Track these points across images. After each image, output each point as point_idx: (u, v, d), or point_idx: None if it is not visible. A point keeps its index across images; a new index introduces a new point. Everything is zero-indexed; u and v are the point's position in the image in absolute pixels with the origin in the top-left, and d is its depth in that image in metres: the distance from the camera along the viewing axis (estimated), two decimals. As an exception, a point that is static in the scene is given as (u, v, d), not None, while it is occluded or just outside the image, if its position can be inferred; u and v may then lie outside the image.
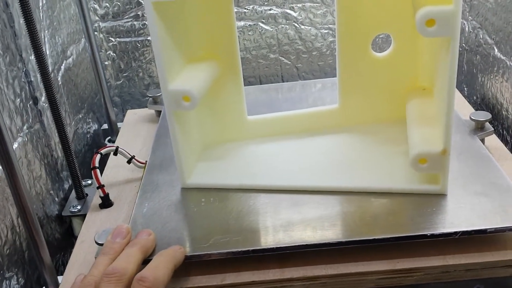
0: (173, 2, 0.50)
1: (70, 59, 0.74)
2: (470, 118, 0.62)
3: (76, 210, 0.62)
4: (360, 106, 0.63)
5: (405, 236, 0.46)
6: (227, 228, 0.49)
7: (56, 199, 0.63)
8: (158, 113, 0.75)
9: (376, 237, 0.46)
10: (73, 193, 0.65)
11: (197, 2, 0.56)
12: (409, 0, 0.54)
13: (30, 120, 0.59)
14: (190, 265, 0.48)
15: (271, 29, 0.84)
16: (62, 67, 0.70)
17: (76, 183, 0.63)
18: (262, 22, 0.84)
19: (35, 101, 0.60)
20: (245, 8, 0.83)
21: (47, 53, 0.65)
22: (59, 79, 0.68)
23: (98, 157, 0.58)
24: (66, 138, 0.62)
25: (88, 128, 0.78)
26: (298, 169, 0.57)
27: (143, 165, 0.62)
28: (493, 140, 0.64)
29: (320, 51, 0.86)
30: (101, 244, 0.47)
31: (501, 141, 0.64)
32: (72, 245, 0.55)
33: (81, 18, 0.71)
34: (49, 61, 0.65)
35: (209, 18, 0.57)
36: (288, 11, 0.83)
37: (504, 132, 0.69)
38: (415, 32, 0.52)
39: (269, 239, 0.48)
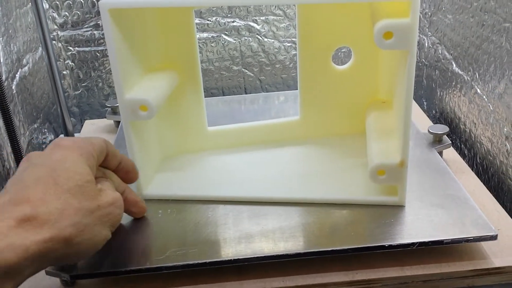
0: (131, 10, 0.49)
1: (26, 68, 0.72)
2: (428, 131, 0.63)
3: (28, 222, 0.60)
4: (320, 118, 0.64)
5: (363, 247, 0.46)
6: (184, 240, 0.48)
7: (8, 211, 0.61)
8: (117, 123, 0.74)
9: (334, 248, 0.46)
10: (26, 205, 0.62)
11: (157, 12, 0.55)
12: (369, 14, 0.54)
13: (-19, 129, 0.56)
14: (146, 278, 0.47)
15: (234, 41, 0.84)
16: (17, 75, 0.68)
17: (29, 194, 0.61)
18: (225, 34, 0.84)
19: (-13, 109, 0.58)
20: (208, 20, 0.82)
21: (1, 61, 0.63)
22: (13, 87, 0.66)
23: (52, 167, 0.56)
24: (19, 148, 0.60)
25: (44, 138, 0.76)
26: (258, 180, 0.57)
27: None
28: (450, 153, 0.65)
29: (283, 64, 0.86)
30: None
31: (459, 154, 0.65)
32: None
33: (38, 27, 0.69)
34: (3, 69, 0.63)
35: (169, 28, 0.56)
36: (251, 23, 0.83)
37: (462, 145, 0.71)
38: (374, 45, 0.53)
39: (227, 251, 0.47)
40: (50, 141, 0.78)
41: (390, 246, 0.46)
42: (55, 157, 0.42)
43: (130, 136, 0.51)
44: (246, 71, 0.87)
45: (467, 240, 0.47)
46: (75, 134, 0.77)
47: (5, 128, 0.58)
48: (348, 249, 0.46)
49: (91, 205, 0.40)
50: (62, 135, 0.79)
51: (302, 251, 0.46)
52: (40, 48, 0.77)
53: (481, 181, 0.59)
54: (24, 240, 0.35)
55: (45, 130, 0.77)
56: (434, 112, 0.80)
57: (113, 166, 0.48)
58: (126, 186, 0.49)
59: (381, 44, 0.44)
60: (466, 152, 0.70)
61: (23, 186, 0.39)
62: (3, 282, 0.34)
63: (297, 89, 0.63)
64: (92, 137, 0.46)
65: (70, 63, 0.83)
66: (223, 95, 0.88)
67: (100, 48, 0.82)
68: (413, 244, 0.46)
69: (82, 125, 0.79)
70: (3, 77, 0.57)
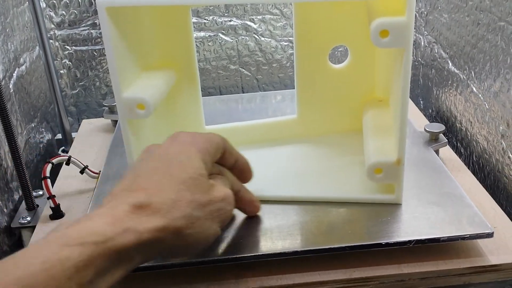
0: (128, 8, 0.49)
1: (23, 67, 0.71)
2: (425, 129, 0.63)
3: (25, 221, 0.60)
4: (318, 117, 0.64)
5: (360, 245, 0.46)
6: (182, 239, 0.48)
7: (5, 210, 0.61)
8: (114, 123, 0.74)
9: (332, 246, 0.46)
10: (23, 204, 0.62)
11: (154, 10, 0.55)
12: (365, 13, 0.54)
13: (-22, 128, 0.56)
14: (144, 276, 0.47)
15: (231, 40, 0.84)
16: (14, 74, 0.68)
17: (26, 193, 0.61)
18: (222, 33, 0.84)
19: (-16, 108, 0.58)
20: (205, 19, 0.82)
21: (-2, 59, 0.63)
22: (10, 86, 0.66)
23: (49, 166, 0.56)
24: (17, 147, 0.59)
25: (41, 137, 0.76)
26: (255, 179, 0.56)
27: (97, 175, 0.60)
28: (447, 152, 0.65)
29: (280, 63, 0.87)
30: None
31: (455, 152, 0.65)
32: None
33: (35, 26, 0.69)
34: (0, 68, 0.63)
35: (166, 27, 0.56)
36: (248, 22, 0.83)
37: (458, 144, 0.71)
38: (371, 44, 0.53)
39: (224, 249, 0.47)
40: (48, 140, 0.78)
41: (387, 244, 0.46)
42: (172, 150, 0.43)
43: (127, 135, 0.51)
44: (243, 70, 0.87)
45: (463, 237, 0.47)
46: (72, 134, 0.77)
47: (3, 127, 0.58)
48: (345, 247, 0.46)
49: (203, 199, 0.40)
50: (59, 135, 0.79)
51: (299, 249, 0.46)
52: (37, 47, 0.76)
53: (477, 179, 0.60)
54: (137, 226, 0.36)
55: (43, 129, 0.77)
56: (430, 110, 0.80)
57: (229, 164, 0.48)
58: (242, 185, 0.49)
59: (378, 42, 0.44)
60: (462, 150, 0.70)
61: (139, 175, 0.41)
62: (114, 267, 0.35)
63: (294, 88, 0.63)
64: (211, 133, 0.47)
65: (67, 62, 0.83)
66: (220, 94, 0.88)
67: (97, 47, 0.82)
68: (410, 242, 0.46)
69: (79, 125, 0.79)
70: (0, 76, 0.57)
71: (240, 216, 0.51)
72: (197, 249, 0.42)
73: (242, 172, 0.49)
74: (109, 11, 0.45)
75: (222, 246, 0.47)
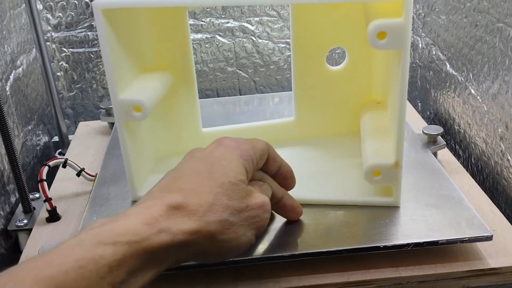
0: (124, 10, 0.49)
1: (20, 69, 0.71)
2: (423, 132, 0.63)
3: (22, 224, 0.59)
4: (315, 119, 0.64)
5: (358, 248, 0.46)
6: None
7: (2, 212, 0.60)
8: (111, 125, 0.74)
9: (330, 249, 0.46)
10: (20, 207, 0.62)
11: (150, 12, 0.55)
12: (362, 15, 0.54)
13: (-26, 130, 0.56)
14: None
15: (229, 42, 0.84)
16: (11, 76, 0.68)
17: (22, 196, 0.61)
18: (219, 35, 0.83)
19: (-20, 111, 0.58)
20: (202, 21, 0.82)
21: (-6, 62, 0.63)
22: (7, 89, 0.66)
23: (45, 169, 0.56)
24: (13, 149, 0.59)
25: (38, 140, 0.76)
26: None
27: (93, 178, 0.60)
28: (445, 154, 0.65)
29: (278, 65, 0.86)
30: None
31: (453, 155, 0.65)
32: (18, 261, 0.52)
33: (32, 28, 0.69)
34: (-4, 70, 0.63)
35: (163, 29, 0.56)
36: (246, 24, 0.83)
37: (456, 146, 0.71)
38: (368, 46, 0.53)
39: (222, 253, 0.47)
40: (44, 143, 0.78)
41: (385, 247, 0.46)
42: (215, 153, 0.43)
43: (124, 137, 0.50)
44: (241, 72, 0.86)
45: (462, 240, 0.47)
46: (69, 136, 0.77)
47: (-1, 130, 0.58)
48: (343, 250, 0.46)
49: (240, 205, 0.40)
50: (56, 137, 0.79)
51: (297, 252, 0.46)
52: (34, 49, 0.76)
53: (476, 182, 0.59)
54: (172, 228, 0.36)
55: (39, 132, 0.77)
56: (428, 113, 0.80)
57: (272, 171, 0.47)
58: (284, 191, 0.48)
59: (375, 44, 0.44)
60: (460, 153, 0.70)
61: (179, 176, 0.41)
62: (147, 268, 0.35)
63: (291, 90, 0.63)
64: (256, 139, 0.46)
65: (64, 65, 0.83)
66: (218, 97, 0.88)
67: (94, 49, 0.82)
68: (408, 245, 0.46)
69: (76, 127, 0.79)
70: (-4, 79, 0.57)
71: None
72: (230, 255, 0.41)
73: (285, 179, 0.49)
74: (105, 13, 0.45)
75: (219, 249, 0.47)
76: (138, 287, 0.34)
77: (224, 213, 0.39)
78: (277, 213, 0.49)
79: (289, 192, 0.49)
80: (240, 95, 0.88)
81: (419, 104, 0.83)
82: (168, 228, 0.36)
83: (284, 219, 0.50)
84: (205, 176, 0.40)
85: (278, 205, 0.48)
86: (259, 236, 0.43)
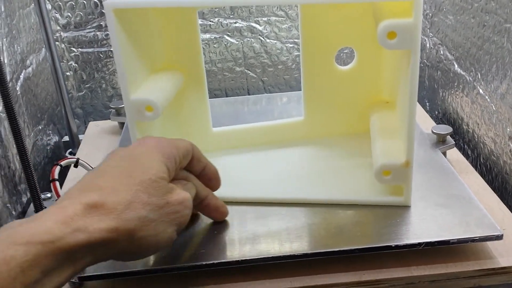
0: (135, 10, 0.49)
1: (30, 69, 0.71)
2: (432, 131, 0.63)
3: (33, 224, 0.60)
4: (324, 118, 0.64)
5: (370, 247, 0.46)
6: (190, 242, 0.48)
7: (14, 212, 0.61)
8: (121, 125, 0.74)
9: (341, 249, 0.46)
10: (32, 207, 0.62)
11: (161, 12, 0.55)
12: (372, 14, 0.54)
13: (-14, 130, 0.56)
14: (153, 279, 0.47)
15: (237, 42, 0.84)
16: (21, 76, 0.68)
17: (34, 196, 0.61)
18: (228, 35, 0.84)
19: (-8, 111, 0.58)
20: (210, 21, 0.82)
21: (5, 62, 0.63)
22: (17, 89, 0.66)
23: (57, 169, 0.56)
24: (24, 149, 0.59)
25: (48, 140, 0.76)
26: (263, 181, 0.57)
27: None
28: (454, 154, 0.65)
29: (286, 64, 0.87)
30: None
31: (462, 154, 0.65)
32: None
33: (42, 28, 0.69)
34: (7, 70, 0.63)
35: (173, 29, 0.56)
36: (254, 24, 0.83)
37: (465, 145, 0.71)
38: (377, 45, 0.53)
39: (234, 252, 0.47)
40: (55, 142, 0.78)
41: (397, 246, 0.46)
42: (136, 152, 0.43)
43: (135, 137, 0.51)
44: (249, 72, 0.87)
45: (473, 240, 0.47)
46: (79, 136, 0.77)
47: (11, 130, 0.58)
48: (355, 249, 0.46)
49: (160, 201, 0.40)
50: (66, 137, 0.79)
51: (309, 252, 0.46)
52: (43, 49, 0.77)
53: (485, 181, 0.59)
54: (88, 226, 0.35)
55: (50, 131, 0.77)
56: (436, 112, 0.80)
57: (197, 171, 0.48)
58: (209, 191, 0.49)
59: (385, 44, 0.44)
60: (469, 152, 0.70)
61: (98, 175, 0.40)
62: (62, 267, 0.35)
63: (299, 90, 0.63)
64: (180, 139, 0.47)
65: (73, 64, 0.83)
66: (226, 96, 0.88)
67: (103, 49, 0.82)
68: (419, 244, 0.46)
69: (86, 127, 0.79)
70: (8, 78, 0.57)
71: (249, 218, 0.51)
72: (150, 252, 0.42)
73: (210, 179, 0.49)
74: (117, 13, 0.45)
75: (231, 249, 0.47)
76: (54, 286, 0.34)
77: (143, 210, 0.39)
78: (202, 213, 0.50)
79: (294, 190, 0.49)
80: (249, 94, 0.88)
81: (427, 103, 0.83)
82: (85, 227, 0.35)
83: (302, 219, 0.50)
84: (125, 174, 0.40)
85: (202, 204, 0.48)
86: (180, 232, 0.43)
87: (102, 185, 0.39)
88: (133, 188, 0.39)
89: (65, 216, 0.35)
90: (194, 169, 0.48)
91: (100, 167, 0.42)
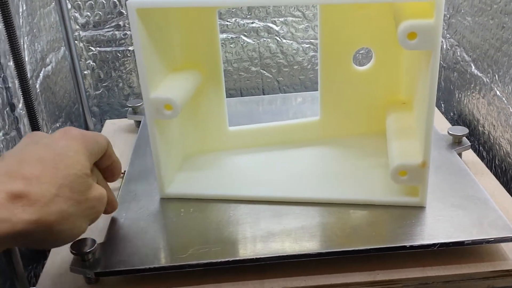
0: (157, 10, 0.50)
1: (49, 67, 0.73)
2: (448, 132, 0.63)
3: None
4: (341, 118, 0.64)
5: (385, 247, 0.47)
6: (206, 239, 0.49)
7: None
8: (138, 123, 0.75)
9: (356, 248, 0.46)
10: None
11: (181, 12, 0.56)
12: (391, 15, 0.55)
13: (6, 127, 0.57)
14: (169, 276, 0.47)
15: (253, 42, 0.85)
16: (41, 74, 0.69)
17: (52, 192, 0.62)
18: (244, 35, 0.84)
19: (12, 108, 0.59)
20: (227, 21, 0.83)
21: (26, 59, 0.64)
22: (37, 86, 0.67)
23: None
24: (43, 146, 0.60)
25: (66, 137, 0.77)
26: (278, 180, 0.57)
27: (121, 175, 0.61)
28: (469, 155, 0.65)
29: (301, 65, 0.87)
30: (77, 254, 0.46)
31: (477, 156, 0.65)
32: (45, 257, 0.53)
33: (62, 26, 0.70)
34: (28, 67, 0.64)
35: (193, 29, 0.57)
36: (270, 25, 0.84)
37: (480, 147, 0.71)
38: (395, 46, 0.53)
39: (249, 250, 0.47)
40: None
41: (412, 247, 0.46)
42: (61, 143, 0.42)
43: (154, 135, 0.51)
44: (264, 72, 0.87)
45: (487, 241, 0.47)
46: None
47: (30, 127, 0.59)
48: (370, 249, 0.46)
49: (81, 197, 0.41)
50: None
51: (323, 251, 0.47)
52: (62, 48, 0.78)
53: (500, 183, 0.59)
54: (12, 217, 0.36)
55: (67, 129, 0.78)
56: (452, 114, 0.80)
57: (103, 166, 0.49)
58: (107, 184, 0.50)
59: (405, 44, 0.44)
60: (484, 154, 0.70)
61: (22, 161, 0.39)
62: None
63: (314, 91, 0.63)
64: (97, 133, 0.47)
65: (91, 63, 0.84)
66: (241, 96, 0.88)
67: (121, 48, 0.83)
68: (434, 245, 0.46)
69: (102, 125, 0.80)
70: (28, 76, 0.58)
71: (264, 217, 0.51)
72: (63, 244, 0.42)
73: (112, 176, 0.50)
74: (139, 13, 0.46)
75: (246, 247, 0.48)
76: None
77: (65, 204, 0.39)
78: None
79: (310, 189, 0.49)
80: (264, 94, 0.88)
81: (443, 105, 0.83)
82: (9, 218, 0.35)
83: (317, 218, 0.51)
84: (50, 165, 0.40)
85: None
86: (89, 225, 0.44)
87: (27, 174, 0.38)
88: (58, 182, 0.39)
89: None
90: (101, 164, 0.48)
91: (22, 153, 0.41)
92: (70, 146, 0.42)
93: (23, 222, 0.36)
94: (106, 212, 0.51)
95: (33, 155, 0.40)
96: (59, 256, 0.51)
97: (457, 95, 0.78)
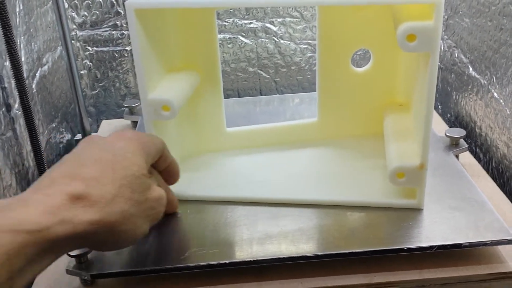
0: (155, 10, 0.50)
1: (46, 67, 0.72)
2: (445, 134, 0.63)
3: (47, 220, 0.60)
4: (338, 120, 0.64)
5: (382, 249, 0.47)
6: (203, 241, 0.49)
7: (27, 209, 0.61)
8: (134, 123, 0.74)
9: (353, 251, 0.46)
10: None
11: (179, 13, 0.56)
12: (390, 16, 0.55)
13: (2, 127, 0.57)
14: (166, 278, 0.47)
15: (251, 43, 0.84)
16: (37, 74, 0.69)
17: (48, 193, 0.62)
18: (242, 36, 0.84)
19: (8, 108, 0.59)
20: (225, 21, 0.83)
21: (23, 59, 0.64)
22: (33, 86, 0.67)
23: (72, 166, 0.57)
24: (39, 147, 0.60)
25: (61, 137, 0.77)
26: (276, 182, 0.57)
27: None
28: (466, 157, 0.65)
29: (299, 66, 0.87)
30: (73, 256, 0.46)
31: (474, 158, 0.65)
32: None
33: (59, 26, 0.70)
34: (24, 67, 0.64)
35: (191, 29, 0.57)
36: (268, 25, 0.84)
37: (477, 149, 0.71)
38: (394, 48, 0.53)
39: (246, 252, 0.47)
40: (67, 140, 0.79)
41: (409, 249, 0.46)
42: (118, 144, 0.43)
43: (151, 136, 0.51)
44: (262, 72, 0.87)
45: (485, 243, 0.47)
46: (92, 134, 0.78)
47: (26, 127, 0.59)
48: (367, 251, 0.46)
49: (140, 197, 0.41)
50: (79, 135, 0.80)
51: (321, 253, 0.46)
52: (59, 47, 0.77)
53: (497, 185, 0.59)
54: (73, 218, 0.36)
55: (63, 129, 0.78)
56: (449, 115, 0.80)
57: (161, 168, 0.49)
58: (167, 186, 0.50)
59: (404, 46, 0.44)
60: (481, 156, 0.70)
61: (80, 164, 0.40)
62: (46, 255, 0.35)
63: (312, 92, 0.63)
64: (154, 135, 0.48)
65: (88, 63, 0.84)
66: (239, 97, 0.88)
67: (118, 48, 0.83)
68: (431, 247, 0.46)
69: (98, 125, 0.80)
70: (25, 76, 0.58)
71: (261, 218, 0.51)
72: (125, 245, 0.42)
73: (171, 175, 0.50)
74: (138, 13, 0.45)
75: (243, 249, 0.48)
76: (34, 274, 0.35)
77: (125, 204, 0.39)
78: None
79: (307, 191, 0.49)
80: (261, 95, 0.88)
81: (440, 106, 0.83)
82: (70, 218, 0.36)
83: (314, 220, 0.51)
84: (109, 167, 0.40)
85: None
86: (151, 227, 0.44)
87: (86, 175, 0.38)
88: (118, 182, 0.39)
89: (51, 206, 0.35)
90: (159, 166, 0.49)
91: (81, 155, 0.41)
92: (127, 147, 0.43)
93: (84, 223, 0.36)
94: (168, 211, 0.51)
95: (91, 157, 0.41)
96: (55, 258, 0.51)
97: (454, 96, 0.78)
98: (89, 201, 0.37)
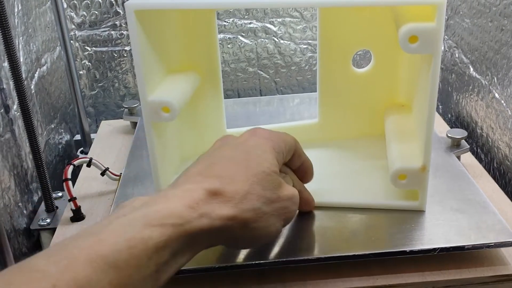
0: (155, 11, 0.49)
1: (44, 67, 0.72)
2: (447, 135, 0.62)
3: (45, 223, 0.60)
4: (339, 121, 0.64)
5: (384, 252, 0.46)
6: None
7: (25, 211, 0.61)
8: (134, 124, 0.74)
9: (355, 253, 0.46)
10: (42, 206, 0.63)
11: (179, 13, 0.55)
12: (391, 17, 0.54)
13: (1, 129, 0.57)
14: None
15: (251, 43, 0.84)
16: (36, 75, 0.68)
17: (46, 195, 0.61)
18: (242, 36, 0.84)
19: (7, 109, 0.59)
20: (225, 21, 0.82)
21: (21, 60, 0.63)
22: (32, 87, 0.67)
23: (70, 168, 0.56)
24: (38, 148, 0.60)
25: (60, 138, 0.76)
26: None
27: (117, 177, 0.60)
28: (468, 158, 0.64)
29: (299, 66, 0.86)
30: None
31: (476, 158, 0.65)
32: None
33: (57, 26, 0.69)
34: (23, 68, 0.63)
35: (191, 30, 0.56)
36: (268, 25, 0.83)
37: (478, 150, 0.70)
38: (395, 49, 0.53)
39: (247, 255, 0.47)
40: (66, 141, 0.78)
41: (411, 252, 0.46)
42: (250, 142, 0.44)
43: (151, 137, 0.50)
44: (262, 73, 0.87)
45: (488, 246, 0.47)
46: (91, 135, 0.77)
47: (25, 128, 0.59)
48: (369, 254, 0.46)
49: (272, 195, 0.41)
50: (78, 136, 0.79)
51: (322, 256, 0.46)
52: (58, 48, 0.77)
53: (498, 186, 0.59)
54: (211, 213, 0.37)
55: (62, 130, 0.77)
56: (449, 116, 0.80)
57: (295, 166, 0.49)
58: (302, 185, 0.50)
59: (406, 48, 0.44)
60: (482, 156, 0.69)
61: (214, 162, 0.42)
62: (186, 250, 0.36)
63: (312, 92, 0.63)
64: (286, 133, 0.48)
65: (87, 63, 0.83)
66: (239, 97, 0.88)
67: (117, 48, 0.83)
68: (434, 250, 0.46)
69: (97, 126, 0.79)
70: (23, 77, 0.57)
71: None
72: (260, 243, 0.43)
73: (305, 174, 0.50)
74: (138, 14, 0.45)
75: (244, 251, 0.47)
76: (176, 268, 0.36)
77: (258, 202, 0.40)
78: None
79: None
80: (261, 95, 0.88)
81: (440, 107, 0.83)
82: (208, 213, 0.37)
83: (315, 222, 0.50)
84: (241, 164, 0.41)
85: None
86: (285, 227, 0.44)
87: (221, 173, 0.40)
88: (250, 180, 0.40)
89: (192, 201, 0.37)
90: (293, 164, 0.49)
91: (214, 154, 0.43)
92: (258, 145, 0.43)
93: (221, 218, 0.37)
94: (303, 210, 0.51)
95: (224, 156, 0.42)
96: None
97: (455, 97, 0.77)
98: (225, 197, 0.38)
